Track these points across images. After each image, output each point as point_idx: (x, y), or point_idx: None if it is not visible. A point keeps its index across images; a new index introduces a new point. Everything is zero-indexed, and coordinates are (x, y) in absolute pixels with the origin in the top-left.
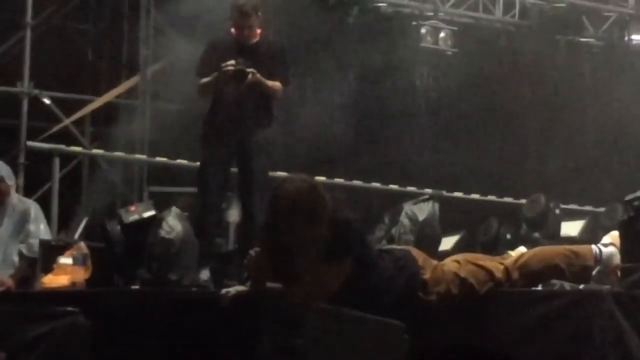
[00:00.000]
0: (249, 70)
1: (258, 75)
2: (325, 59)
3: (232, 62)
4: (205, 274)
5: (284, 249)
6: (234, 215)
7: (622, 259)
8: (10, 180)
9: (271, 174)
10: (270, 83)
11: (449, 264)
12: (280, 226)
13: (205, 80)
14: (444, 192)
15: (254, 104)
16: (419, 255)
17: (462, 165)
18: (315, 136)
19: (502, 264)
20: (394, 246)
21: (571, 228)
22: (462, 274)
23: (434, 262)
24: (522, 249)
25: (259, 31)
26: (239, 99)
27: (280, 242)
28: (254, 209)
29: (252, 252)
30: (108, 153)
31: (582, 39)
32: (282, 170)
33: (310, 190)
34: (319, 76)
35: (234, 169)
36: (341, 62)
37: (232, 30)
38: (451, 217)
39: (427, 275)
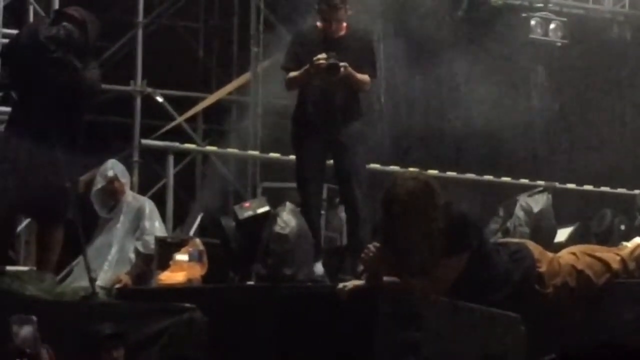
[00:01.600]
0: (341, 64)
1: (350, 69)
2: (435, 52)
3: (324, 55)
4: (319, 269)
5: (401, 245)
6: None
7: None
8: (125, 179)
9: (384, 168)
10: (359, 76)
11: (565, 256)
12: (397, 225)
13: (294, 74)
14: (557, 184)
15: (343, 98)
16: (535, 248)
17: (576, 157)
18: (427, 130)
19: (618, 255)
20: (510, 239)
21: None
22: (579, 266)
23: (550, 254)
24: (638, 240)
25: (345, 24)
26: (329, 93)
27: (397, 239)
28: (355, 201)
29: (370, 246)
30: (221, 150)
31: None
32: (394, 165)
33: (423, 188)
34: (428, 68)
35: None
36: (451, 54)
37: (318, 23)
38: (565, 208)
39: (543, 269)
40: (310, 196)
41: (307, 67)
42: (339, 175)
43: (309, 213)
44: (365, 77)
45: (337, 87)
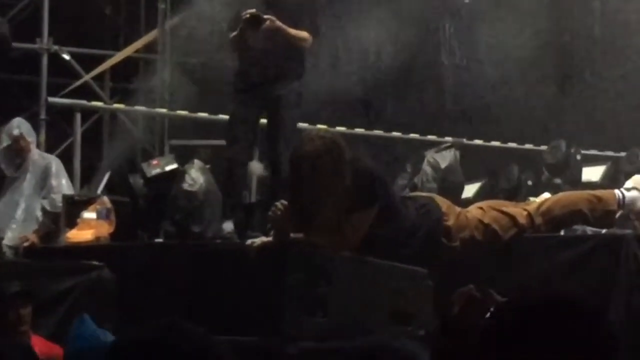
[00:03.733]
0: (266, 16)
1: (277, 23)
2: (344, 10)
3: (252, 10)
4: (229, 226)
5: (308, 203)
6: (256, 167)
7: None
8: (31, 137)
9: None
10: (293, 31)
11: (473, 210)
12: (304, 183)
13: (233, 34)
14: (465, 140)
15: (281, 55)
16: (442, 202)
17: (484, 113)
18: (335, 87)
19: (525, 210)
20: (419, 193)
21: (592, 173)
22: (486, 220)
23: (458, 208)
24: (546, 195)
25: None
26: (266, 50)
27: (304, 196)
28: (279, 160)
29: (278, 204)
30: (129, 107)
31: None
32: (302, 122)
33: (331, 147)
34: (337, 27)
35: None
36: (360, 12)
37: None
38: (472, 164)
39: (450, 222)
40: (238, 154)
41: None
42: (268, 132)
43: (233, 170)
44: (301, 33)
45: (274, 44)
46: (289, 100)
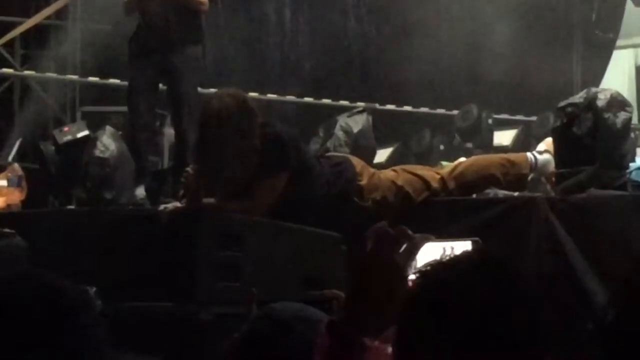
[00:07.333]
0: None
1: None
2: None
3: None
4: (141, 192)
5: (216, 165)
6: (168, 133)
7: (557, 166)
8: None
9: (203, 91)
10: None
11: (387, 172)
12: (211, 143)
13: None
14: (377, 105)
15: (179, 19)
16: (357, 162)
17: (394, 78)
18: (247, 52)
19: (438, 173)
20: (334, 153)
21: (504, 137)
22: (399, 182)
23: (372, 170)
24: (461, 159)
25: None
26: (163, 14)
27: (212, 158)
28: (184, 126)
29: (188, 169)
30: (40, 74)
31: None
32: (213, 87)
33: (238, 105)
34: None
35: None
36: None
37: None
38: (384, 129)
39: (363, 182)
40: (139, 119)
41: None
42: (169, 100)
43: (136, 136)
44: None
45: (171, 8)
46: (186, 66)
